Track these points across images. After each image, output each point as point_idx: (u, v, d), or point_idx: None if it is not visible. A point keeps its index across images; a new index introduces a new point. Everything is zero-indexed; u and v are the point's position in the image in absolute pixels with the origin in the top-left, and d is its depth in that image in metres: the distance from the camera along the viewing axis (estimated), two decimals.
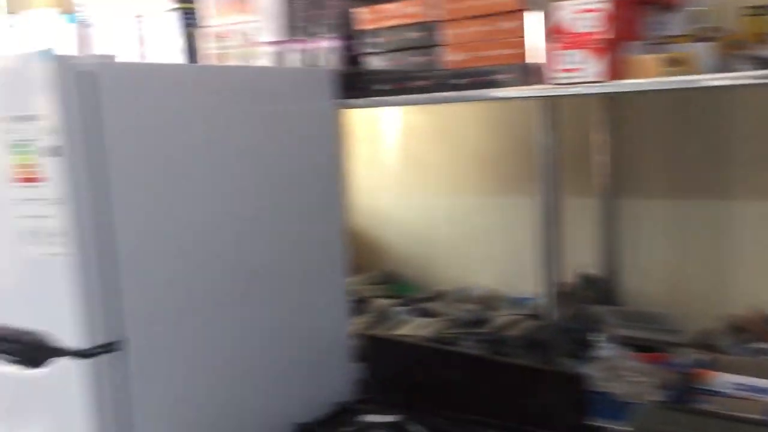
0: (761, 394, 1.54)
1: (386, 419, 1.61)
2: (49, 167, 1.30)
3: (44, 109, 1.28)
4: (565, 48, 1.59)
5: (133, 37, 2.37)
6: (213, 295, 1.53)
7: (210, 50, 2.23)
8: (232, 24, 2.17)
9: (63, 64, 1.27)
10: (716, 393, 1.59)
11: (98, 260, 1.33)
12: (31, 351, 1.42)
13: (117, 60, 1.54)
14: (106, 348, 1.35)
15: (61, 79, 1.27)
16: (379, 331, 2.08)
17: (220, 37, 2.22)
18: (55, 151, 1.28)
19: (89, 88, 1.30)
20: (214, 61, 2.21)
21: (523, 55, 1.71)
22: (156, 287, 1.43)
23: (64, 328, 1.34)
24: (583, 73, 1.58)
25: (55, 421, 1.41)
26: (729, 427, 1.34)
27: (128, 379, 1.38)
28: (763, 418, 1.44)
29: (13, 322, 1.42)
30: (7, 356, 1.47)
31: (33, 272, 1.37)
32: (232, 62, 2.19)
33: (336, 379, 1.83)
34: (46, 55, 1.28)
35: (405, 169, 2.63)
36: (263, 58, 2.07)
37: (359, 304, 2.29)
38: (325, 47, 1.98)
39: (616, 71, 1.57)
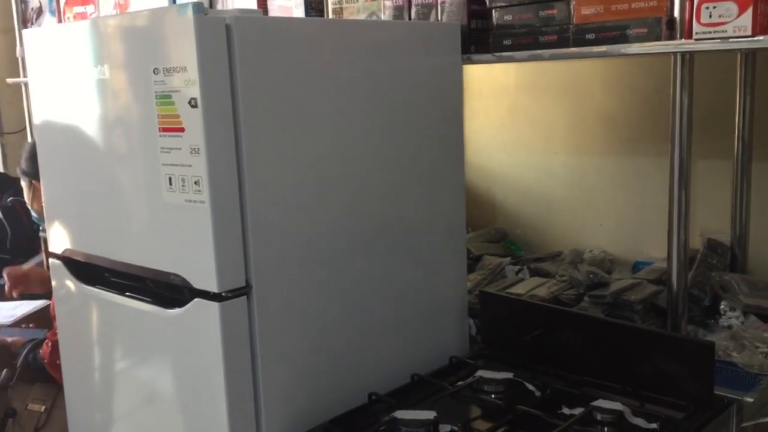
0: None
1: (501, 376, 1.62)
2: (189, 117, 1.35)
3: (185, 60, 1.33)
4: (711, 0, 1.51)
5: None
6: (336, 247, 1.57)
7: (331, 5, 2.24)
8: None
9: (200, 18, 1.31)
10: None
11: (231, 210, 1.39)
12: (170, 292, 1.51)
13: (258, 14, 1.58)
14: (236, 292, 1.42)
15: (199, 32, 1.31)
16: (493, 289, 2.08)
17: None
18: (194, 102, 1.34)
19: (226, 41, 1.34)
20: (333, 16, 2.23)
21: (662, 8, 1.63)
22: (282, 237, 1.47)
23: (200, 272, 1.41)
24: (728, 26, 1.49)
25: (191, 358, 1.50)
26: None
27: (254, 321, 1.44)
28: None
29: (154, 265, 1.51)
30: (148, 297, 1.57)
31: (173, 218, 1.45)
32: (354, 17, 2.19)
33: (452, 333, 1.85)
34: (187, 7, 1.32)
35: (522, 128, 2.58)
36: (385, 13, 2.06)
37: (472, 261, 2.30)
38: (450, 1, 1.96)
39: (764, 25, 1.47)
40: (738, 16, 1.47)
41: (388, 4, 2.06)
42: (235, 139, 1.38)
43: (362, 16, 2.18)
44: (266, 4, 2.41)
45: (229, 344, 1.42)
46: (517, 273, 2.21)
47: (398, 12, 2.05)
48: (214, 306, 1.41)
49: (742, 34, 1.47)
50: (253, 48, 1.38)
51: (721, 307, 1.76)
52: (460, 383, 1.65)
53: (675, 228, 1.69)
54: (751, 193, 2.04)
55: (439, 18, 1.96)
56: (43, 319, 2.53)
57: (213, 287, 1.40)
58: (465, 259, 1.91)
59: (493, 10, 1.89)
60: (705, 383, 1.47)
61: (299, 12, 2.28)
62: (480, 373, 1.65)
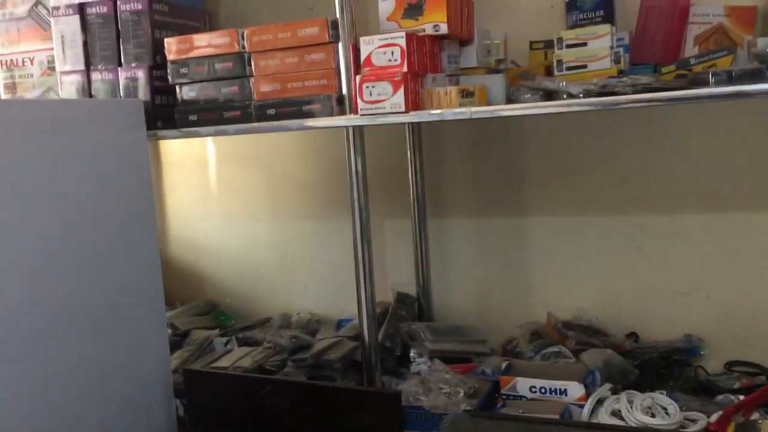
0: (555, 395, 1.69)
1: None
2: None
3: None
4: (369, 80, 1.67)
5: None
6: (21, 338, 1.45)
7: (2, 80, 2.10)
8: (25, 52, 2.06)
9: None
10: (518, 397, 1.73)
11: None
12: None
13: None
14: None
15: None
16: (200, 364, 2.04)
17: (12, 65, 2.09)
18: None
19: None
20: (6, 92, 2.09)
21: (332, 86, 1.77)
22: None
23: None
24: (386, 104, 1.67)
25: None
26: (527, 428, 1.46)
27: None
28: (555, 417, 1.59)
29: None
30: None
31: None
32: (29, 92, 2.07)
33: (157, 416, 1.78)
34: None
35: (224, 197, 2.61)
36: (65, 88, 1.98)
37: (179, 337, 2.24)
38: (134, 77, 1.94)
39: (415, 102, 1.67)
40: (393, 94, 1.65)
41: (68, 79, 1.99)
42: None
43: (38, 91, 2.08)
44: None
45: None
46: (225, 344, 2.19)
47: (79, 87, 1.98)
48: None
49: (397, 110, 1.65)
50: None
51: (411, 354, 1.92)
52: None
53: (362, 285, 1.82)
54: (429, 247, 2.27)
55: (121, 95, 1.93)
56: None
57: None
58: (166, 337, 1.86)
59: (177, 87, 1.91)
60: (396, 430, 1.58)
61: None
62: None
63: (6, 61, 2.09)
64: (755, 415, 1.58)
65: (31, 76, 2.07)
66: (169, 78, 1.91)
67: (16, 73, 2.09)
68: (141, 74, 1.93)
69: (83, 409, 1.59)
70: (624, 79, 1.60)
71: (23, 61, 2.08)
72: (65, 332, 1.55)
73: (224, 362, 2.02)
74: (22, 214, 1.48)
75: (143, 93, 1.92)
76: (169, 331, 2.13)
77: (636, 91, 1.52)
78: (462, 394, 1.74)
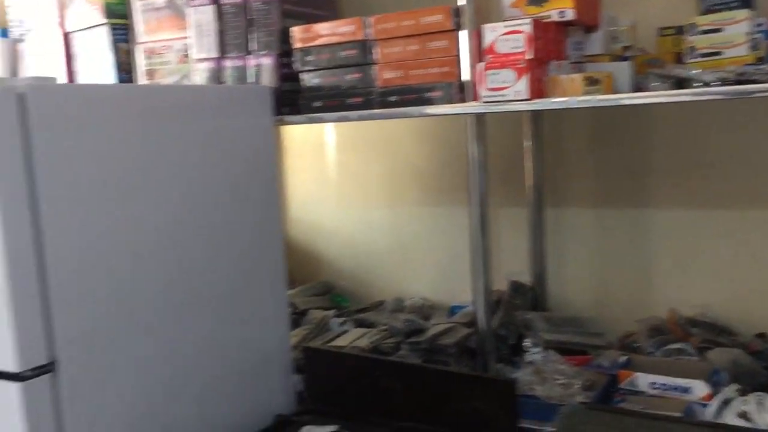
0: (677, 392, 1.64)
1: (325, 430, 1.65)
2: None
3: None
4: (492, 68, 1.67)
5: (64, 52, 2.35)
6: (148, 314, 1.54)
7: (143, 67, 2.23)
8: (164, 40, 2.18)
9: None
10: (637, 392, 1.69)
11: (30, 283, 1.33)
12: None
13: (53, 81, 1.54)
14: (39, 370, 1.35)
15: None
16: (317, 343, 2.11)
17: (151, 53, 2.22)
18: None
19: (20, 110, 1.30)
20: (145, 78, 2.22)
21: (453, 74, 1.78)
22: (89, 309, 1.43)
23: None
24: (508, 91, 1.66)
25: None
26: (647, 424, 1.43)
27: (61, 401, 1.38)
28: (678, 415, 1.54)
29: None
30: None
31: None
32: (166, 78, 2.20)
33: (276, 391, 1.86)
34: None
35: (343, 182, 2.67)
36: (198, 75, 2.09)
37: (298, 316, 2.32)
38: (262, 64, 2.02)
39: (538, 90, 1.65)
40: (516, 82, 1.64)
41: (202, 66, 2.09)
42: (32, 211, 1.33)
43: (174, 78, 2.19)
44: (74, 69, 2.36)
45: (34, 427, 1.34)
46: (341, 325, 2.26)
47: (212, 74, 2.08)
48: (14, 387, 1.33)
49: (520, 97, 1.64)
50: (49, 116, 1.35)
51: (525, 344, 1.91)
52: None
53: (478, 272, 1.82)
54: (546, 237, 2.24)
55: (252, 81, 2.01)
56: None
57: (12, 367, 1.33)
58: (287, 315, 1.94)
59: (303, 74, 1.98)
60: (510, 418, 1.58)
61: (108, 74, 2.25)
62: (305, 429, 1.67)
63: (146, 49, 2.22)
64: None
65: (169, 63, 2.20)
66: (295, 65, 1.98)
67: (155, 60, 2.21)
68: (269, 62, 2.00)
69: (209, 378, 1.68)
70: (763, 66, 1.52)
71: (161, 49, 2.20)
72: (196, 308, 1.64)
73: (341, 342, 2.08)
74: (157, 195, 1.57)
75: (270, 80, 1.99)
76: (289, 309, 2.22)
77: None
78: (578, 385, 1.72)
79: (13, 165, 1.30)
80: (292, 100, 1.99)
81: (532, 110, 2.04)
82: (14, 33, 2.48)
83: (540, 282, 2.23)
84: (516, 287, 2.20)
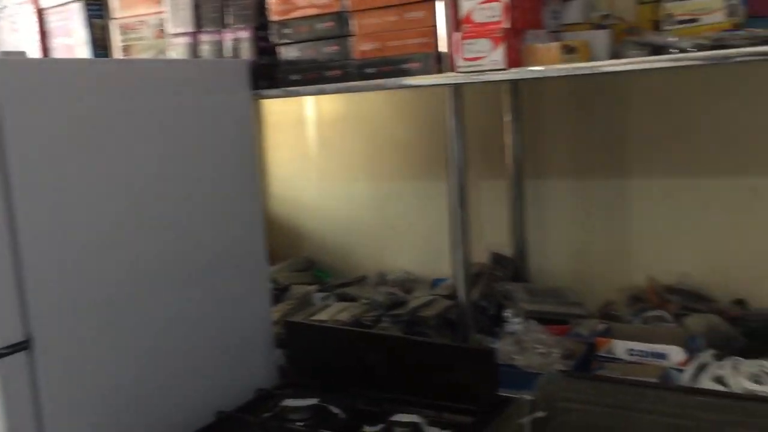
0: (654, 358, 1.66)
1: (306, 403, 1.65)
2: None
3: None
4: (469, 37, 1.66)
5: (38, 29, 2.32)
6: (125, 289, 1.53)
7: (118, 42, 2.21)
8: (139, 15, 2.15)
9: None
10: (615, 359, 1.71)
11: (3, 259, 1.32)
12: None
13: (23, 55, 1.52)
14: (14, 348, 1.34)
15: None
16: (300, 317, 2.12)
17: (127, 28, 2.19)
18: None
19: None
20: (121, 54, 2.19)
21: (430, 45, 1.77)
22: (65, 285, 1.42)
23: None
24: (485, 61, 1.65)
25: None
26: (624, 390, 1.44)
27: (37, 378, 1.38)
28: (654, 380, 1.56)
29: None
30: None
31: None
32: (142, 54, 2.17)
33: (258, 365, 1.86)
34: None
35: (324, 157, 2.67)
36: (174, 50, 2.06)
37: (280, 292, 2.33)
38: (238, 38, 2.00)
39: (516, 59, 1.64)
40: (493, 51, 1.63)
41: (178, 41, 2.07)
42: (4, 187, 1.31)
43: (150, 53, 2.17)
44: (48, 44, 2.33)
45: (10, 405, 1.34)
46: (323, 300, 2.26)
47: (188, 49, 2.06)
48: None
49: (497, 67, 1.63)
50: (19, 90, 1.33)
51: (505, 314, 1.92)
52: (266, 414, 1.66)
53: (458, 245, 1.83)
54: (526, 208, 2.24)
55: (229, 55, 1.99)
56: None
57: None
58: (268, 290, 1.94)
59: (280, 47, 1.96)
60: (490, 387, 1.60)
61: (83, 51, 2.22)
62: (286, 402, 1.68)
63: (122, 24, 2.19)
64: None
65: (144, 38, 2.17)
66: (272, 38, 1.95)
67: (131, 35, 2.19)
68: (245, 35, 1.98)
69: (189, 353, 1.67)
70: (740, 32, 1.52)
71: (137, 24, 2.17)
72: (174, 284, 1.64)
73: (323, 316, 2.09)
74: (133, 170, 1.55)
75: (247, 54, 1.97)
76: (271, 285, 2.22)
77: (752, 45, 1.44)
78: (557, 354, 1.73)
79: None
80: (270, 73, 1.97)
81: (510, 81, 2.03)
82: None
83: (521, 253, 2.24)
84: (497, 259, 2.21)
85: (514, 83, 2.16)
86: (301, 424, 1.62)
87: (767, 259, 1.94)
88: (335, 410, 1.65)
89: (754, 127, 1.92)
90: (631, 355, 1.69)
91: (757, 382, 1.51)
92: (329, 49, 1.90)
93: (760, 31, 1.50)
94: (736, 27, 1.61)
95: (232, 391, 1.75)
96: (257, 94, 1.93)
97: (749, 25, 1.61)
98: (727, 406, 1.34)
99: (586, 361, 1.74)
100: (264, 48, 1.98)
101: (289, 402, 1.67)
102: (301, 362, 1.90)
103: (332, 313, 2.09)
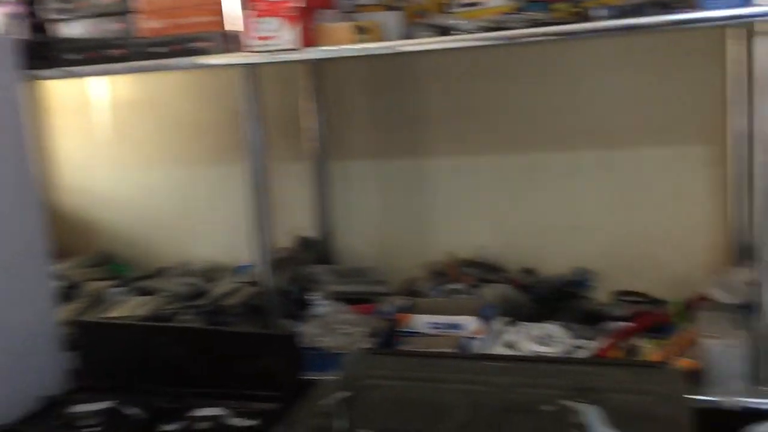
0: (451, 329, 1.72)
1: (99, 407, 1.54)
2: None
3: None
4: (261, 15, 1.61)
5: None
6: None
7: None
8: None
9: None
10: (416, 334, 1.75)
11: None
12: None
13: None
14: None
15: None
16: (94, 316, 1.97)
17: None
18: None
19: None
20: None
21: (220, 23, 1.70)
22: None
23: None
24: (277, 41, 1.61)
25: None
26: (425, 362, 1.48)
27: None
28: (451, 351, 1.62)
29: None
30: None
31: None
32: None
33: (44, 371, 1.70)
34: None
35: (116, 143, 2.49)
36: None
37: (71, 290, 2.15)
38: (6, 13, 1.81)
39: (309, 39, 1.62)
40: (285, 30, 1.60)
41: None
42: None
43: None
44: None
45: None
46: (120, 295, 2.12)
47: None
48: None
49: (289, 46, 1.60)
50: None
51: (309, 297, 1.90)
52: (53, 424, 1.52)
53: (259, 230, 1.78)
54: (331, 190, 2.24)
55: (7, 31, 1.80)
56: None
57: None
58: (52, 288, 1.78)
59: (57, 23, 1.79)
60: (294, 372, 1.57)
61: None
62: (75, 408, 1.55)
63: None
64: (640, 341, 1.65)
65: None
66: (48, 14, 1.79)
67: None
68: (14, 10, 1.80)
69: None
70: (519, 15, 1.60)
71: None
72: None
73: (119, 312, 1.96)
74: None
75: (17, 30, 1.79)
76: (61, 283, 2.04)
77: (530, 27, 1.53)
78: (362, 333, 1.75)
79: None
80: (45, 53, 1.80)
81: (310, 61, 2.01)
82: None
83: (326, 235, 2.24)
84: (302, 242, 2.19)
85: (312, 63, 2.14)
86: (94, 430, 1.50)
87: (552, 229, 2.09)
88: (132, 411, 1.55)
89: (537, 106, 2.05)
90: (431, 328, 1.74)
91: (542, 344, 1.62)
92: (113, 27, 1.78)
93: (537, 14, 1.59)
94: (517, 10, 1.70)
95: (14, 401, 1.58)
96: (32, 75, 1.76)
97: (528, 9, 1.70)
98: (516, 369, 1.42)
99: (389, 338, 1.77)
100: (39, 24, 1.81)
101: (80, 408, 1.55)
102: (95, 364, 1.76)
103: (129, 308, 1.96)
